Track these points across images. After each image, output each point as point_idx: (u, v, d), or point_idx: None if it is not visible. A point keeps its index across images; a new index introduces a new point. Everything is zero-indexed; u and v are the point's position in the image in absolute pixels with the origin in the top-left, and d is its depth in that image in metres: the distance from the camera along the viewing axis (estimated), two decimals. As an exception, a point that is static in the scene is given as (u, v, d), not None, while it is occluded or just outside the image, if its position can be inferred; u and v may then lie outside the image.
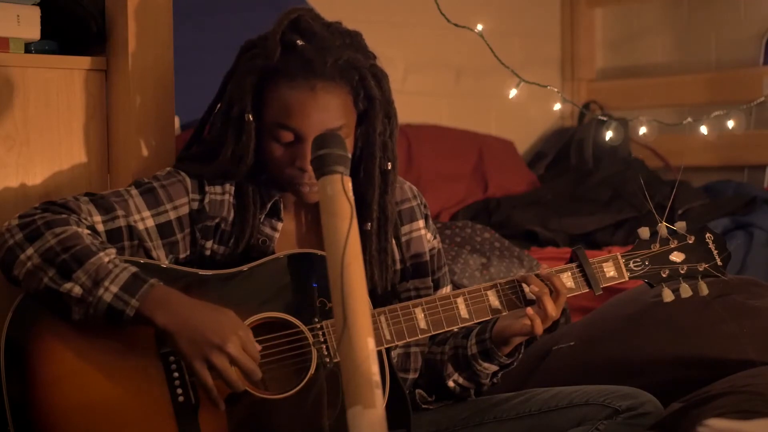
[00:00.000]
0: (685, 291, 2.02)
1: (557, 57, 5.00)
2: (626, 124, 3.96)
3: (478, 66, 4.44)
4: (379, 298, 1.99)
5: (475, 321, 1.96)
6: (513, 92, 3.20)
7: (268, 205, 1.98)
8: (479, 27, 3.09)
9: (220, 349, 1.76)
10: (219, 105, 2.00)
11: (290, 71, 1.89)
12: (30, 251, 1.80)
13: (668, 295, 2.01)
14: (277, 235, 1.98)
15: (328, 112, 1.89)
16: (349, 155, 1.56)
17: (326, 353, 1.86)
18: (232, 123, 1.93)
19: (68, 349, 1.82)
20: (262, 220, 1.98)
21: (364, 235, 1.95)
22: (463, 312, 1.94)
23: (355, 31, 1.98)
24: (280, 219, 1.99)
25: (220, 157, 1.94)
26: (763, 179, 4.36)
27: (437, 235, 2.15)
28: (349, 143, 1.93)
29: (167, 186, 1.95)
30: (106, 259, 1.79)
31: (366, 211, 1.97)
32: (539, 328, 1.92)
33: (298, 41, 1.90)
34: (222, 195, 1.96)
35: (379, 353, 1.85)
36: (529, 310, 1.93)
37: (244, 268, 1.90)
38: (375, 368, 1.37)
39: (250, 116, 1.91)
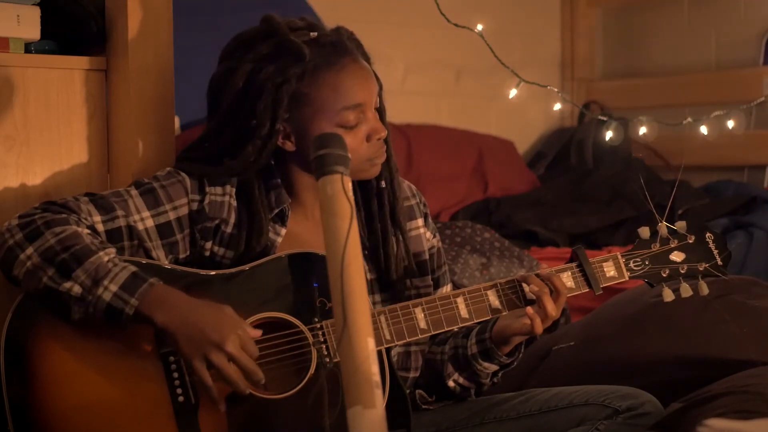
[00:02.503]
0: (686, 291, 2.02)
1: (557, 57, 5.00)
2: (626, 124, 3.94)
3: (478, 66, 4.44)
4: (391, 284, 2.00)
5: (475, 321, 1.96)
6: (513, 92, 3.19)
7: (276, 211, 1.98)
8: (479, 27, 3.09)
9: (219, 347, 1.75)
10: (233, 116, 1.94)
11: (328, 60, 1.91)
12: (30, 251, 1.80)
13: (668, 295, 2.01)
14: (279, 240, 1.97)
15: (373, 78, 1.96)
16: (349, 155, 1.56)
17: (326, 353, 1.86)
18: (257, 134, 1.90)
19: (68, 349, 1.82)
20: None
21: (380, 192, 2.00)
22: (463, 312, 1.94)
23: None
24: (284, 225, 1.98)
25: (236, 160, 1.92)
26: (763, 179, 4.36)
27: (437, 234, 2.14)
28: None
29: (167, 186, 1.94)
30: (106, 259, 1.79)
31: (383, 169, 2.00)
32: (539, 327, 1.92)
33: (311, 33, 1.91)
34: (222, 196, 1.96)
35: (379, 353, 1.84)
36: (529, 309, 1.93)
37: (245, 267, 1.90)
38: (375, 368, 1.37)
39: (282, 125, 1.91)
